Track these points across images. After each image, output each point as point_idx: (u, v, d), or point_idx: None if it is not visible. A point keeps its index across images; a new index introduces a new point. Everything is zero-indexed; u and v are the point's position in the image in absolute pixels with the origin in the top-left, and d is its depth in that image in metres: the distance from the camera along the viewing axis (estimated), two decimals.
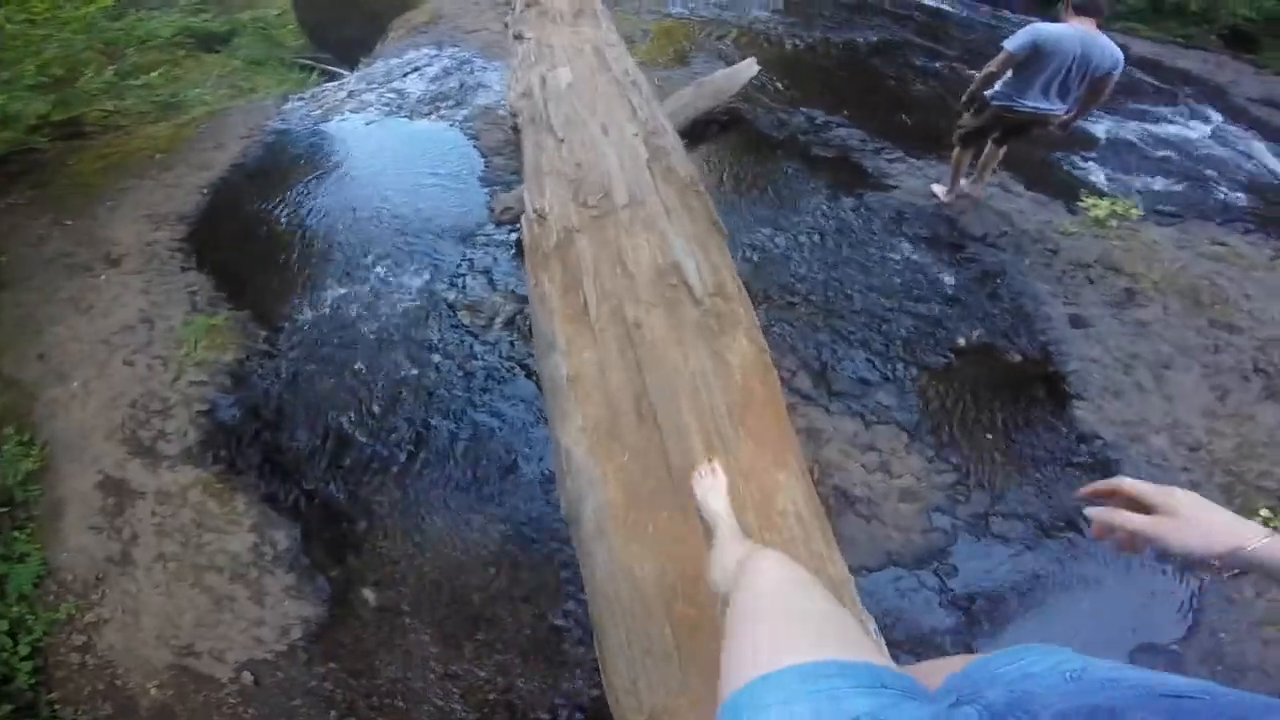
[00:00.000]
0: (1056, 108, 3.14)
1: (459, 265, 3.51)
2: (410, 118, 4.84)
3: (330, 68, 7.76)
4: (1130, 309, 3.33)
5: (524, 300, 3.14)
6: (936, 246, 3.51)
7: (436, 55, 5.80)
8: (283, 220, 3.95)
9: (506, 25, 4.37)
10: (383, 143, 4.61)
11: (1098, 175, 4.49)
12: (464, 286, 3.38)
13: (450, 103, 4.94)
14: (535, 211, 2.31)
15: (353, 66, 6.77)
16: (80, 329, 3.22)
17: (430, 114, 4.83)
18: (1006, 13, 7.19)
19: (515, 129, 3.02)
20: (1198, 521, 0.64)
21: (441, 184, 4.10)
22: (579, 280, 2.10)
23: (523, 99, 2.99)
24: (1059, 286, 3.38)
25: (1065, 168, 4.47)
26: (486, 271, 3.47)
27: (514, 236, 3.50)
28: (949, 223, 3.64)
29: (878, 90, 5.07)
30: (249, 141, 4.75)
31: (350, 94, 5.38)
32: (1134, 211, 3.75)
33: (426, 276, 3.47)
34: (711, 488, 1.53)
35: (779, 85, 4.84)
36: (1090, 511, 0.69)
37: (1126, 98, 5.35)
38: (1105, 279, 3.44)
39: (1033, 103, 3.13)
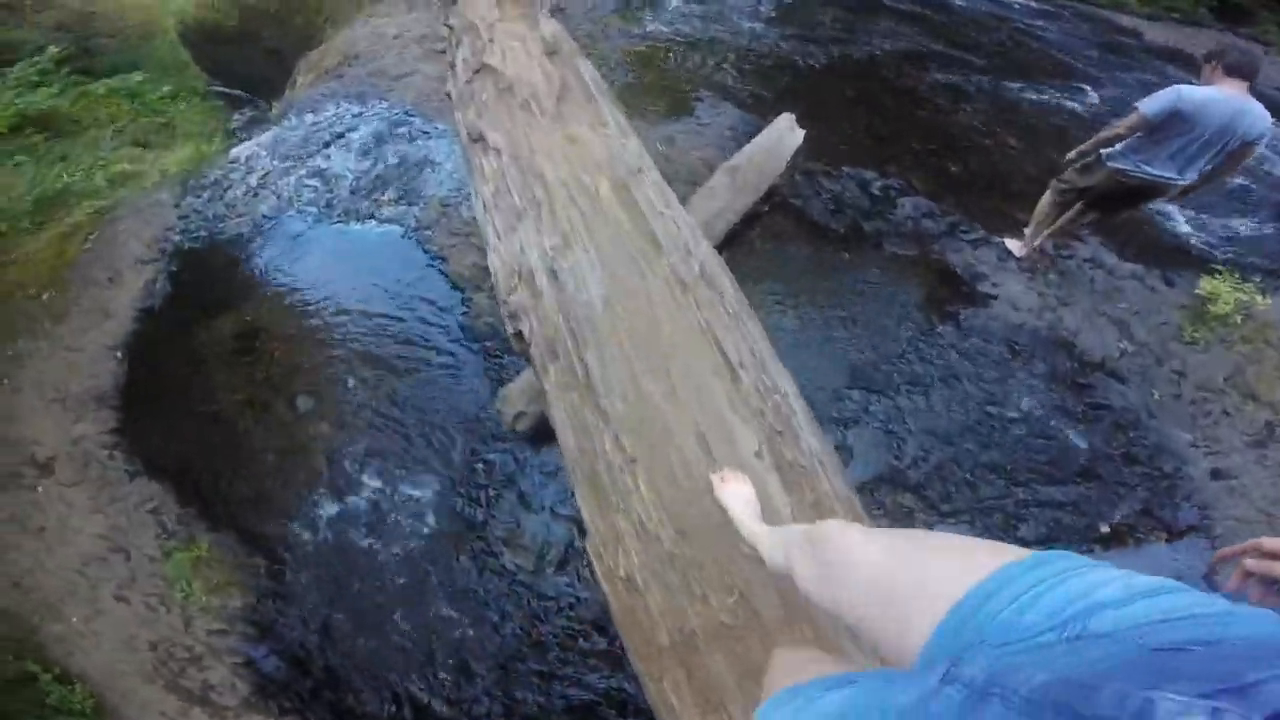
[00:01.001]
0: (1181, 178, 2.69)
1: (473, 471, 2.67)
2: (346, 220, 3.75)
3: (245, 95, 6.87)
4: (1273, 448, 2.80)
5: (572, 520, 2.47)
6: (1058, 386, 2.83)
7: (361, 113, 4.60)
8: (223, 396, 3.05)
9: (449, 95, 3.35)
10: (321, 271, 3.53)
11: (1178, 221, 3.89)
12: (489, 504, 2.59)
13: (394, 193, 3.84)
14: (623, 578, 1.49)
15: (267, 101, 6.07)
16: (42, 557, 2.72)
17: (371, 214, 3.74)
18: None
19: (517, 335, 2.10)
20: None
21: (416, 340, 3.13)
22: (720, 702, 1.34)
23: (523, 294, 2.04)
24: (1195, 429, 2.80)
25: (1144, 212, 3.84)
26: (510, 480, 2.64)
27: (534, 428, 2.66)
28: (1066, 349, 2.96)
29: (921, 127, 4.23)
30: (150, 270, 3.66)
31: (263, 179, 4.20)
32: (1260, 301, 3.16)
33: (436, 487, 2.67)
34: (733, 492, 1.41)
35: (810, 130, 3.98)
36: (1249, 564, 0.68)
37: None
38: (1243, 410, 2.87)
39: (1157, 170, 2.69)
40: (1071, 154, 2.91)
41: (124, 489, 2.88)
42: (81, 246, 3.94)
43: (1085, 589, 0.52)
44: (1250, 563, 0.68)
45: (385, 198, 3.80)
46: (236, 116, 6.86)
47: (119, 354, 3.30)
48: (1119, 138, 2.67)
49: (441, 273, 3.38)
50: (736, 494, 1.41)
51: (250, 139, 5.02)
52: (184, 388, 3.15)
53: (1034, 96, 4.74)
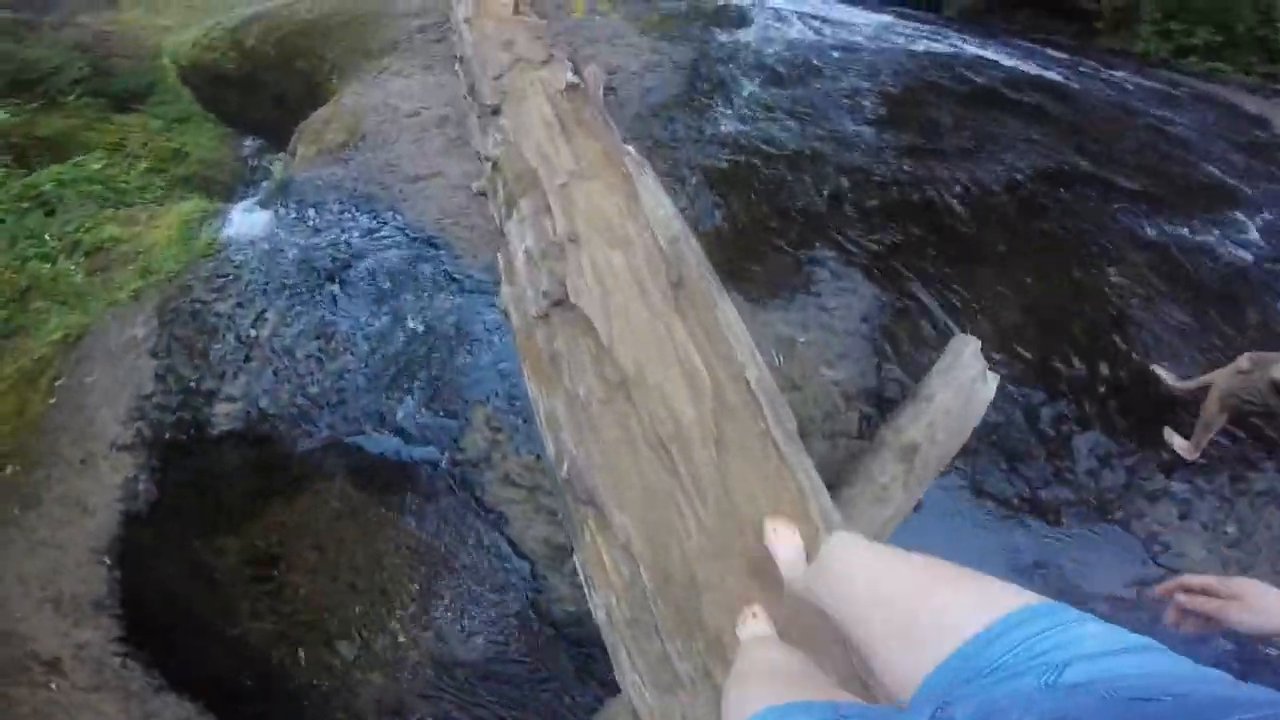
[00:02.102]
0: None
1: None
2: (364, 430, 2.88)
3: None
4: None
5: None
6: None
7: (371, 231, 3.69)
8: (247, 622, 2.56)
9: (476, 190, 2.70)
10: (341, 502, 2.71)
11: None
12: None
13: (421, 391, 2.95)
14: None
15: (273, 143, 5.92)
16: None
17: (396, 425, 2.87)
18: (1120, 75, 5.52)
19: None
20: (1260, 603, 0.72)
21: (473, 610, 2.43)
22: None
23: None
24: None
25: None
26: None
27: None
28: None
29: (1082, 295, 3.33)
30: (129, 463, 2.93)
31: (255, 330, 3.31)
32: None
33: None
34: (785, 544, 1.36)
35: (963, 311, 3.16)
36: (1179, 599, 0.77)
37: None
38: None
39: None
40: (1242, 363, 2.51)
41: (153, 703, 2.49)
42: (46, 400, 3.30)
43: (1072, 640, 0.55)
44: (1181, 598, 0.78)
45: (411, 397, 2.94)
46: (248, 143, 6.75)
47: (107, 560, 2.73)
48: None
49: (500, 532, 2.57)
50: (788, 545, 1.36)
51: (247, 218, 4.28)
52: (198, 606, 2.66)
53: (1190, 236, 3.95)
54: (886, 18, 6.03)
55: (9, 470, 3.05)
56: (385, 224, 3.75)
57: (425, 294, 3.34)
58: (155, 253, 4.83)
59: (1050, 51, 5.92)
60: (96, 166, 5.84)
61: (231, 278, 3.66)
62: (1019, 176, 3.93)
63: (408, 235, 3.66)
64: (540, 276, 2.00)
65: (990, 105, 4.55)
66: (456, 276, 3.41)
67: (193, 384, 3.17)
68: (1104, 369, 3.08)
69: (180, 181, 11.74)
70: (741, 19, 5.55)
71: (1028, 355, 3.03)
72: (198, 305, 3.59)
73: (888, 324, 2.93)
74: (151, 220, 5.02)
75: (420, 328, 3.19)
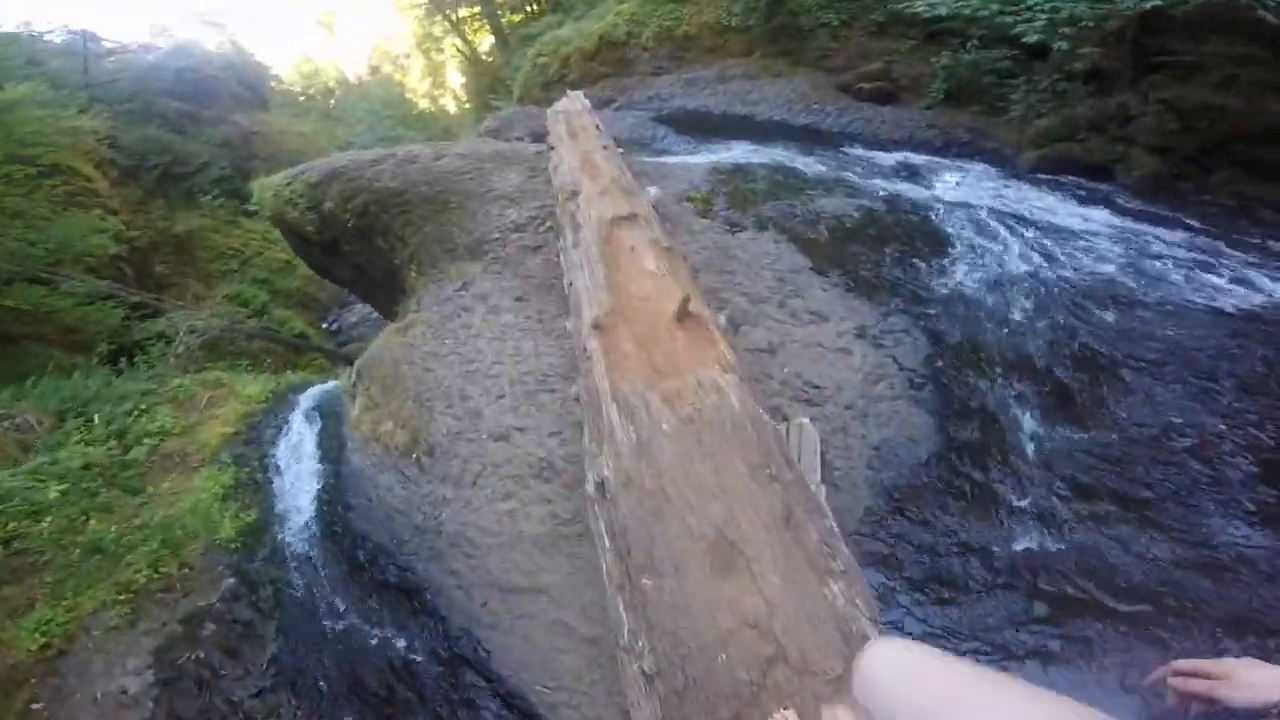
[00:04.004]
0: None
1: None
2: None
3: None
4: None
5: None
6: None
7: (434, 649, 2.55)
8: None
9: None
10: None
11: None
12: None
13: None
14: None
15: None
16: None
17: None
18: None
19: None
20: (1249, 677, 0.75)
21: None
22: None
23: None
24: None
25: None
26: None
27: None
28: None
29: None
30: None
31: None
32: None
33: None
34: None
35: None
36: (1172, 683, 0.81)
37: None
38: None
39: None
40: None
41: None
42: None
43: None
44: (1175, 682, 0.81)
45: None
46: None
47: None
48: None
49: None
50: None
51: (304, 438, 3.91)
52: None
53: None
54: (1106, 214, 4.44)
55: None
56: (453, 650, 2.48)
57: None
58: (212, 439, 4.52)
59: None
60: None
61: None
62: None
63: (480, 687, 2.37)
64: None
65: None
66: None
67: None
68: None
69: (283, 296, 12.24)
70: (937, 238, 3.95)
71: None
72: (209, 667, 2.71)
73: None
74: (211, 406, 4.77)
75: None
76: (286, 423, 4.78)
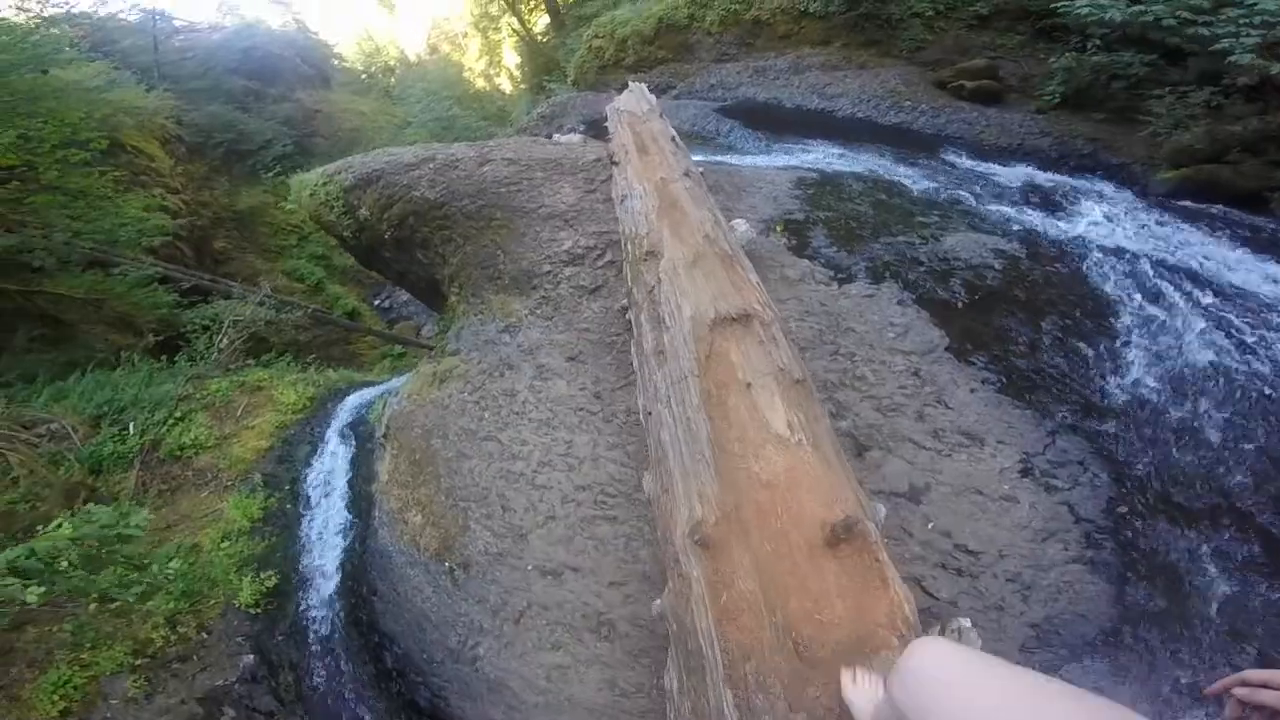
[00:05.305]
0: None
1: None
2: None
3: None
4: None
5: None
6: None
7: None
8: None
9: None
10: None
11: None
12: None
13: None
14: None
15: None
16: None
17: None
18: None
19: None
20: None
21: None
22: None
23: None
24: None
25: None
26: None
27: None
28: None
29: None
30: None
31: None
32: None
33: None
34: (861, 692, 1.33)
35: None
36: (1238, 692, 0.76)
37: None
38: None
39: None
40: None
41: None
42: None
43: None
44: (1240, 692, 0.76)
45: None
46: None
47: None
48: None
49: None
50: (864, 694, 1.33)
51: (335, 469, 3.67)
52: None
53: None
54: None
55: None
56: None
57: None
58: (248, 454, 4.39)
59: None
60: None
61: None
62: None
63: None
64: None
65: None
66: None
67: None
68: None
69: (338, 272, 12.36)
70: (1099, 307, 3.03)
71: None
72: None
73: None
74: (248, 415, 4.75)
75: None
76: (322, 440, 4.62)
